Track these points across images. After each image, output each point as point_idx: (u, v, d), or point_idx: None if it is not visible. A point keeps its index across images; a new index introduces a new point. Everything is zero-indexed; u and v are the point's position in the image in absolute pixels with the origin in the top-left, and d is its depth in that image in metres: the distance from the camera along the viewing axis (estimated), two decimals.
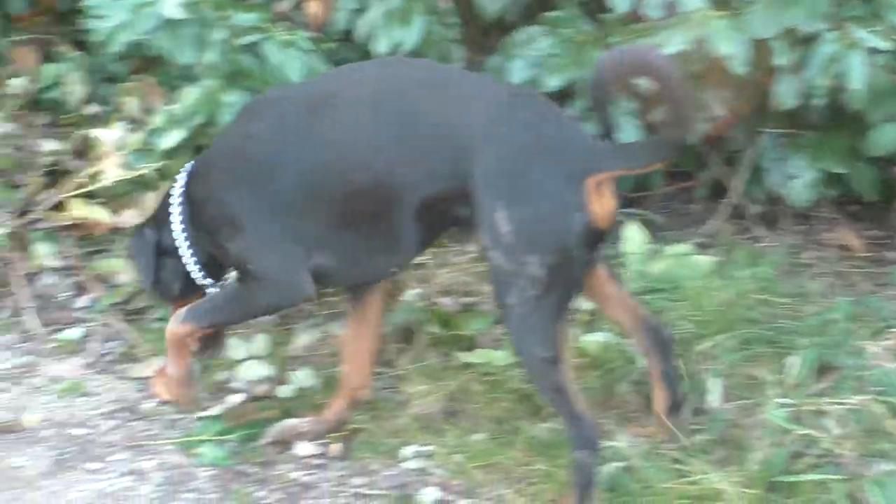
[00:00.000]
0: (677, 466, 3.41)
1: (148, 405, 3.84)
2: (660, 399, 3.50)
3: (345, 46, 4.46)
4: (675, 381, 3.50)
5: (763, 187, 4.43)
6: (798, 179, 4.23)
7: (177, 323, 3.54)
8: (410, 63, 3.82)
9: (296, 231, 3.39)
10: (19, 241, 4.36)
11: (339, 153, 3.29)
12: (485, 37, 4.52)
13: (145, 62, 4.75)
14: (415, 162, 3.23)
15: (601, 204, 3.05)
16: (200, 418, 3.76)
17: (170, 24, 4.10)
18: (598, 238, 3.12)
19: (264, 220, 3.41)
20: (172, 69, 4.52)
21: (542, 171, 3.09)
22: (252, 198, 3.40)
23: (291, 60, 4.14)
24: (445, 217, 3.27)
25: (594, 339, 3.79)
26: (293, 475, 3.52)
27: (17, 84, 4.81)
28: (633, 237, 4.19)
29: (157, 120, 4.38)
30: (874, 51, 3.82)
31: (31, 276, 4.35)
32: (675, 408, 3.49)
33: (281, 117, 3.43)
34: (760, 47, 3.95)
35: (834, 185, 4.31)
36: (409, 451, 3.61)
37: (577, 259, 3.10)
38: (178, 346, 3.63)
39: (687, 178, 4.67)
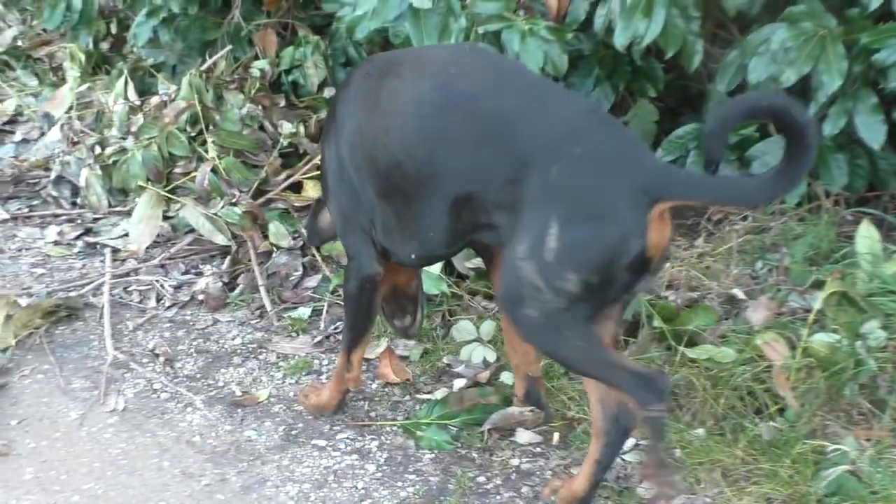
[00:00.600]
0: None
1: (373, 386, 3.95)
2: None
3: (582, 37, 4.51)
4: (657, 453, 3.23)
5: None
6: None
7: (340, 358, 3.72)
8: (500, 58, 3.84)
9: (358, 197, 3.42)
10: (255, 220, 4.48)
11: (402, 122, 3.28)
12: (725, 30, 4.50)
13: (381, 48, 4.85)
14: (470, 153, 3.16)
15: (659, 231, 2.98)
16: (424, 401, 3.86)
17: (414, 12, 4.20)
18: (646, 264, 3.01)
19: (340, 183, 3.50)
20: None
21: (609, 192, 2.99)
22: (332, 159, 3.52)
23: (531, 50, 4.19)
24: (477, 220, 3.19)
25: (821, 340, 3.74)
26: (513, 462, 3.59)
27: (258, 66, 4.96)
28: (866, 237, 4.10)
29: None
30: None
31: (266, 255, 4.47)
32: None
33: (363, 79, 3.50)
34: None
35: None
36: (628, 443, 3.63)
37: (618, 282, 3.00)
38: (338, 377, 3.77)
39: None
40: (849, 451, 3.43)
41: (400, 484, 3.54)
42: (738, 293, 4.09)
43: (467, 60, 3.40)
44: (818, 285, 3.99)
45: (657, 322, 3.93)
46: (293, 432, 3.76)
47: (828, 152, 4.32)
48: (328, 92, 4.92)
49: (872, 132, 4.15)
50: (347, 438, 3.74)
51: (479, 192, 3.13)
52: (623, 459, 3.61)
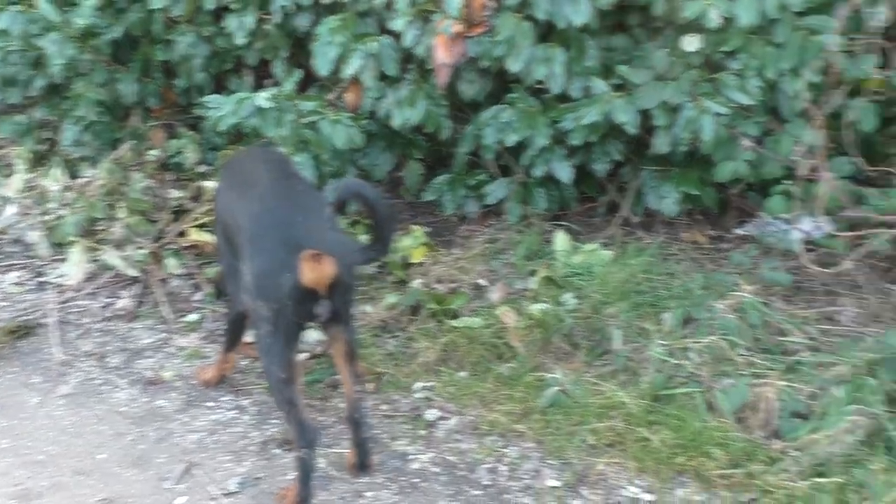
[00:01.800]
0: (595, 388, 3.52)
1: (244, 363, 3.86)
2: (350, 458, 3.27)
3: (372, 121, 4.54)
4: (364, 449, 3.23)
5: (642, 205, 4.48)
6: (667, 199, 4.29)
7: None
8: (266, 154, 3.71)
9: (226, 256, 3.35)
10: (156, 257, 4.40)
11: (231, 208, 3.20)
12: (463, 112, 4.61)
13: (237, 136, 4.82)
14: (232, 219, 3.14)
15: (313, 270, 2.82)
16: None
17: (260, 111, 4.21)
18: (312, 296, 2.87)
19: (220, 246, 3.44)
20: (255, 140, 4.64)
21: (271, 241, 2.90)
22: (218, 229, 3.48)
23: (339, 132, 4.24)
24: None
25: (537, 308, 3.84)
26: (342, 405, 3.50)
27: (152, 153, 4.89)
28: (560, 241, 4.23)
29: None
30: (717, 114, 3.91)
31: (164, 280, 4.39)
32: (360, 467, 3.25)
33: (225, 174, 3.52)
34: (645, 115, 4.08)
35: (690, 202, 4.36)
36: (418, 386, 3.68)
37: (293, 308, 2.87)
38: (219, 363, 3.74)
39: (593, 201, 4.72)
40: (559, 377, 3.54)
41: (266, 426, 3.53)
42: (482, 282, 4.15)
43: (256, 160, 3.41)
44: (533, 273, 4.10)
45: (431, 305, 3.96)
46: (191, 399, 3.71)
47: (533, 186, 4.45)
48: (201, 168, 4.87)
49: (563, 172, 4.32)
50: (229, 399, 3.70)
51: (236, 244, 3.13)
52: (415, 397, 3.64)
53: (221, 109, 4.25)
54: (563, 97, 4.23)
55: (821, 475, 3.07)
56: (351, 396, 3.15)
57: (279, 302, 2.86)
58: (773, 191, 3.92)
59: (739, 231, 4.46)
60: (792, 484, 3.04)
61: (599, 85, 4.14)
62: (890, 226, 3.45)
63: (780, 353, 3.55)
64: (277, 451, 3.40)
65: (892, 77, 3.85)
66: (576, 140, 4.14)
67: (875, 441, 3.12)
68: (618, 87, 4.15)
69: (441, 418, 3.54)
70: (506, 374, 3.66)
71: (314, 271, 2.83)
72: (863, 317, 3.68)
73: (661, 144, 4.12)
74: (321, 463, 3.30)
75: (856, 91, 3.95)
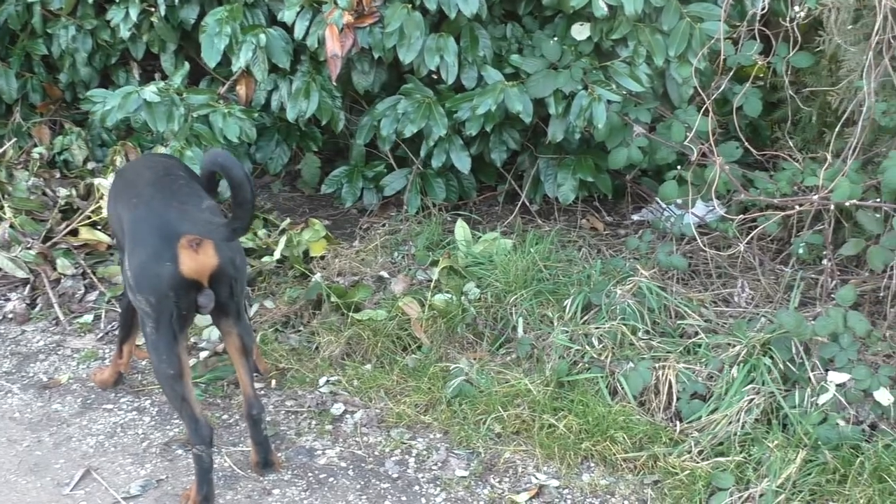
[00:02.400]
0: (500, 377, 3.53)
1: (143, 363, 3.78)
2: (253, 456, 3.16)
3: (265, 114, 4.48)
4: (265, 446, 3.14)
5: (540, 193, 4.51)
6: (564, 186, 4.32)
7: None
8: (153, 158, 3.68)
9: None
10: (46, 258, 4.26)
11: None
12: (357, 103, 4.57)
13: (126, 132, 4.73)
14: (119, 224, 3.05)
15: (192, 259, 2.74)
16: None
17: (148, 105, 4.07)
18: (194, 286, 2.78)
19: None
20: (144, 135, 4.54)
21: (147, 232, 2.81)
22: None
23: (231, 125, 4.14)
24: None
25: (440, 298, 3.84)
26: None
27: (37, 151, 4.74)
28: (461, 230, 4.24)
29: None
30: (610, 102, 3.96)
31: (57, 281, 4.25)
32: (264, 464, 3.15)
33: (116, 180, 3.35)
34: (540, 103, 4.10)
35: (586, 189, 4.42)
36: (322, 380, 3.63)
37: (175, 300, 2.76)
38: (114, 363, 3.61)
39: (492, 190, 4.75)
40: (464, 367, 3.54)
41: (168, 427, 3.43)
42: (385, 274, 4.13)
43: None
44: (435, 263, 4.09)
45: (333, 298, 3.91)
46: (88, 401, 3.60)
47: (432, 177, 4.45)
48: (90, 165, 4.74)
49: (462, 163, 4.32)
50: (128, 400, 3.59)
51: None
52: (320, 392, 3.60)
53: (107, 104, 4.11)
54: (458, 87, 4.22)
55: (721, 454, 3.13)
56: (248, 393, 3.05)
57: (160, 294, 2.75)
58: (667, 176, 3.97)
59: (636, 217, 4.53)
60: (694, 464, 3.09)
61: (493, 74, 4.15)
62: (779, 208, 3.54)
63: (679, 335, 3.61)
64: (180, 451, 3.32)
65: (774, 63, 3.94)
66: (472, 130, 4.13)
67: (771, 418, 3.20)
68: (511, 77, 4.16)
69: (347, 412, 3.50)
70: (411, 365, 3.65)
71: (194, 260, 2.75)
72: (756, 297, 3.77)
73: (555, 132, 4.15)
74: (227, 462, 3.23)
75: (743, 77, 4.04)
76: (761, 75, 4.15)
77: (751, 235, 3.52)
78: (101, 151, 4.81)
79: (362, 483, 3.17)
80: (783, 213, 3.55)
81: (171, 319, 2.79)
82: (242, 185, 2.57)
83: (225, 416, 3.49)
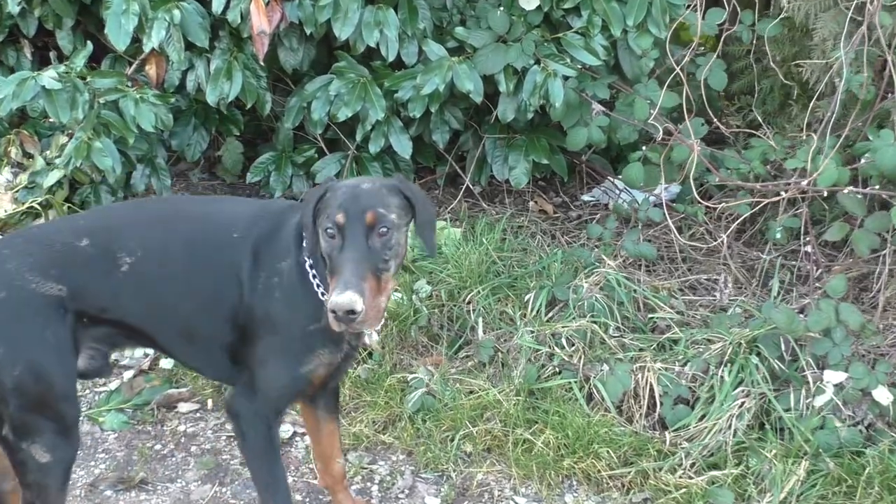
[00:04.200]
0: (464, 386, 3.18)
1: None
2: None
3: (179, 97, 4.02)
4: None
5: (485, 175, 4.16)
6: (517, 169, 3.96)
7: None
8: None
9: None
10: None
11: None
12: (284, 83, 4.14)
13: (19, 118, 4.17)
14: None
15: None
16: (102, 392, 3.30)
17: (47, 92, 3.59)
18: None
19: None
20: (42, 122, 4.02)
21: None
22: None
23: (144, 112, 3.68)
24: None
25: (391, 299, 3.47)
26: (181, 428, 3.16)
27: None
28: None
29: (38, 164, 3.90)
30: (565, 77, 3.63)
31: None
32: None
33: None
34: (487, 80, 3.74)
35: (538, 170, 4.08)
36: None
37: None
38: None
39: (432, 172, 4.38)
40: (423, 377, 3.18)
41: (93, 463, 3.01)
42: None
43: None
44: None
45: None
46: None
47: (367, 161, 4.03)
48: None
49: (402, 146, 3.92)
50: None
51: None
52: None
53: (0, 92, 3.59)
54: (397, 64, 3.81)
55: (715, 466, 2.84)
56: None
57: None
58: (631, 158, 3.63)
59: (586, 197, 4.20)
60: (688, 480, 2.79)
61: (435, 49, 3.76)
62: (763, 195, 3.23)
63: (650, 330, 3.31)
64: (109, 492, 2.89)
65: (739, 31, 3.64)
66: (416, 112, 3.74)
67: (764, 423, 2.93)
68: (455, 51, 3.78)
69: (297, 434, 3.13)
70: (363, 377, 3.28)
71: None
72: (728, 284, 3.48)
73: (506, 111, 3.78)
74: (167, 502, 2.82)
75: (706, 49, 3.75)
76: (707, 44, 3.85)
77: (730, 229, 3.22)
78: None
79: None
80: (766, 201, 3.23)
81: None
82: None
83: (158, 447, 3.09)
